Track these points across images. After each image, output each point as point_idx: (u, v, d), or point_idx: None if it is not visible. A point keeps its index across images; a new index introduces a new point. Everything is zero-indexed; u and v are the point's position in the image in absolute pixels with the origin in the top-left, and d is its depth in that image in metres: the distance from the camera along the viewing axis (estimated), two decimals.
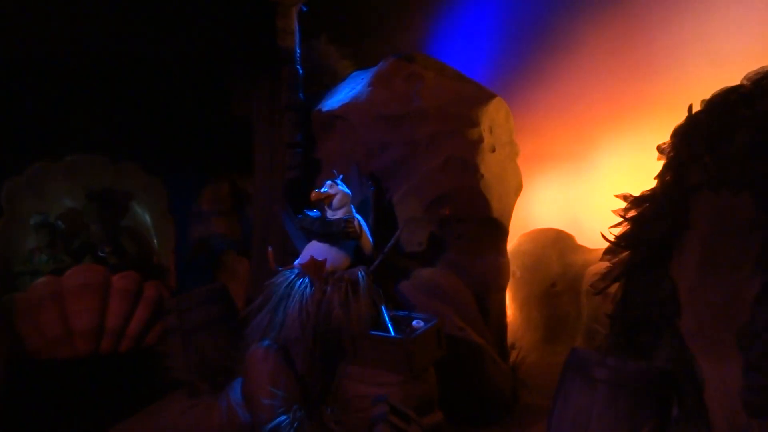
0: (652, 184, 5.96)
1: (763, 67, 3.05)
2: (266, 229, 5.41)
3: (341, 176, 4.55)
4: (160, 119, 6.22)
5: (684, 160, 3.25)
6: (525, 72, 6.70)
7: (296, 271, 4.42)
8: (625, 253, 3.55)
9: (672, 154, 3.40)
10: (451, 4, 7.22)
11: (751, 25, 5.16)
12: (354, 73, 5.64)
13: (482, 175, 4.54)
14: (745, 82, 3.15)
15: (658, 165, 6.34)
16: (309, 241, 4.51)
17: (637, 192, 3.68)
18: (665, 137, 5.92)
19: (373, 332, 3.91)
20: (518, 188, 4.94)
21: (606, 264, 3.90)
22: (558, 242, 5.61)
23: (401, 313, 4.21)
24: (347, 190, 4.47)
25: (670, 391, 2.89)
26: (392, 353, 3.74)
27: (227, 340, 4.88)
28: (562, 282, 5.52)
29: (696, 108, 3.31)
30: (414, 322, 4.02)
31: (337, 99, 5.24)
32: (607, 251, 3.59)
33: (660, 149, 3.56)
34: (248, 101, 5.63)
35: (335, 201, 4.39)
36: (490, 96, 4.75)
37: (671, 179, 3.32)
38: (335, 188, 4.41)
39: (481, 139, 4.59)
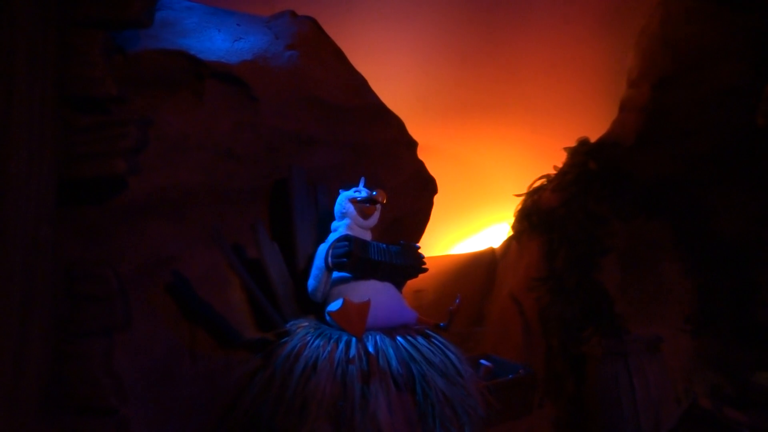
0: None
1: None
2: (30, 276, 2.13)
3: (363, 179, 3.16)
4: None
5: (586, 204, 4.41)
6: None
7: (332, 330, 2.65)
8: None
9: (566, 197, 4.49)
10: None
11: None
12: (189, 3, 3.21)
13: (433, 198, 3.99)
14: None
15: None
16: (361, 278, 2.76)
17: None
18: None
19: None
20: None
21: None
22: None
23: None
24: None
25: None
26: (512, 396, 3.30)
27: None
28: None
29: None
30: (482, 361, 3.56)
31: (213, 45, 3.03)
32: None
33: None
34: None
35: (376, 215, 2.97)
36: None
37: (580, 218, 4.37)
38: (381, 194, 2.92)
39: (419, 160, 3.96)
